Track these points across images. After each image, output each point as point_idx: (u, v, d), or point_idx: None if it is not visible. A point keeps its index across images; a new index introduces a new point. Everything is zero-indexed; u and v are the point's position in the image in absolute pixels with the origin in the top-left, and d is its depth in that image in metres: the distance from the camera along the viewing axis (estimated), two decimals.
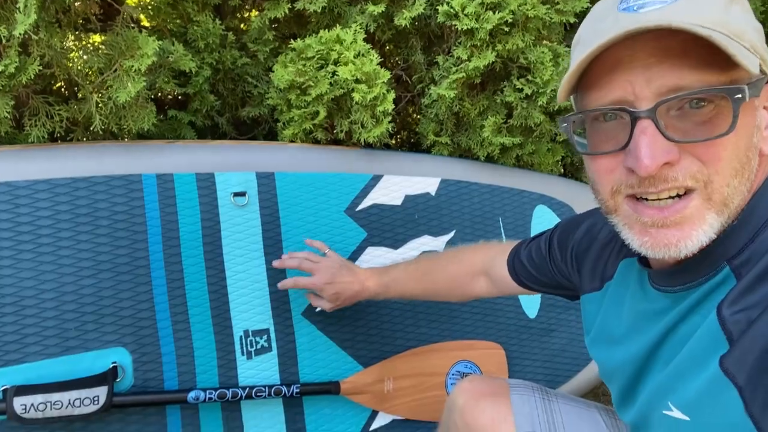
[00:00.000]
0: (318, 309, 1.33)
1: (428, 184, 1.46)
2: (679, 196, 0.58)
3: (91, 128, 1.14)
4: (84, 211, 1.14)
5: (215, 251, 1.25)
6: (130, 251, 1.17)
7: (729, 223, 0.61)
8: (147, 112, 1.22)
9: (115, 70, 1.13)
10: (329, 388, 1.27)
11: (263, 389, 1.21)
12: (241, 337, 1.26)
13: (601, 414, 0.99)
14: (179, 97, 1.60)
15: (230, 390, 1.18)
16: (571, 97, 0.70)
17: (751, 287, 0.59)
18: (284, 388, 1.23)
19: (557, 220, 1.59)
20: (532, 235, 1.56)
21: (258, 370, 1.27)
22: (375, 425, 1.37)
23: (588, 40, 0.61)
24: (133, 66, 1.10)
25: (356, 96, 1.30)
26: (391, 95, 1.34)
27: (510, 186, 1.56)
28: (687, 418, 0.64)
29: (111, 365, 1.14)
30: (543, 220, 1.57)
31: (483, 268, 1.15)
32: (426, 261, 1.23)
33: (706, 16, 0.55)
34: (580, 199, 1.62)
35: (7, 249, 1.08)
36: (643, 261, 0.75)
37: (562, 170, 1.90)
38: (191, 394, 1.15)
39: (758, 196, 0.62)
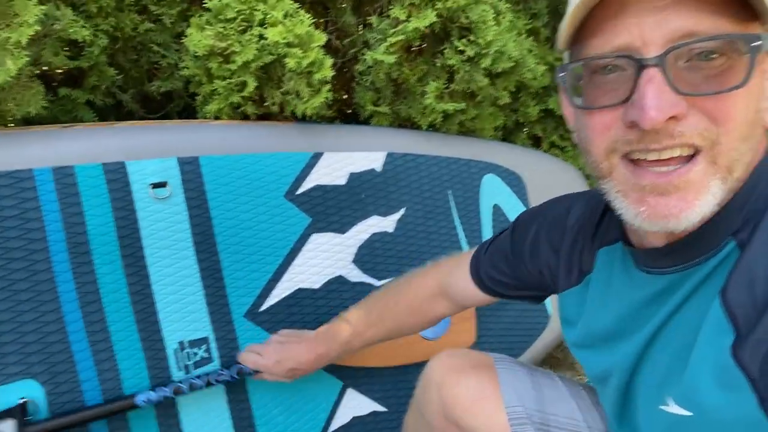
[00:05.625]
0: (261, 309, 1.18)
1: (373, 160, 1.33)
2: (682, 156, 0.53)
3: None
4: None
5: (135, 254, 1.05)
6: (27, 263, 0.96)
7: (730, 196, 0.57)
8: (33, 93, 0.99)
9: None
10: None
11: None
12: (175, 350, 1.09)
13: (585, 389, 0.93)
14: (71, 73, 1.35)
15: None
16: (566, 53, 0.61)
17: (754, 267, 0.54)
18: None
19: (507, 189, 1.51)
20: (480, 207, 1.49)
21: None
22: (333, 426, 1.25)
23: None
24: (10, 38, 0.88)
25: (290, 62, 1.13)
26: (329, 61, 1.18)
27: (457, 156, 1.46)
28: (689, 414, 0.58)
29: (19, 401, 0.94)
30: (492, 189, 1.49)
31: (440, 288, 1.02)
32: (376, 303, 1.09)
33: None
34: (527, 166, 1.55)
35: None
36: (627, 240, 0.69)
37: (500, 135, 1.83)
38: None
39: (758, 171, 0.58)
